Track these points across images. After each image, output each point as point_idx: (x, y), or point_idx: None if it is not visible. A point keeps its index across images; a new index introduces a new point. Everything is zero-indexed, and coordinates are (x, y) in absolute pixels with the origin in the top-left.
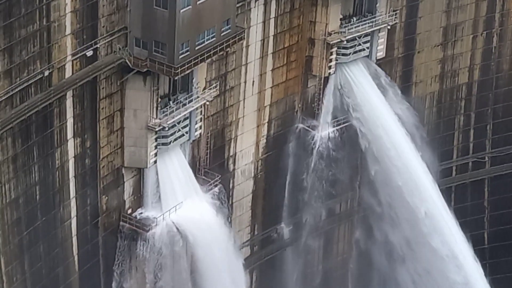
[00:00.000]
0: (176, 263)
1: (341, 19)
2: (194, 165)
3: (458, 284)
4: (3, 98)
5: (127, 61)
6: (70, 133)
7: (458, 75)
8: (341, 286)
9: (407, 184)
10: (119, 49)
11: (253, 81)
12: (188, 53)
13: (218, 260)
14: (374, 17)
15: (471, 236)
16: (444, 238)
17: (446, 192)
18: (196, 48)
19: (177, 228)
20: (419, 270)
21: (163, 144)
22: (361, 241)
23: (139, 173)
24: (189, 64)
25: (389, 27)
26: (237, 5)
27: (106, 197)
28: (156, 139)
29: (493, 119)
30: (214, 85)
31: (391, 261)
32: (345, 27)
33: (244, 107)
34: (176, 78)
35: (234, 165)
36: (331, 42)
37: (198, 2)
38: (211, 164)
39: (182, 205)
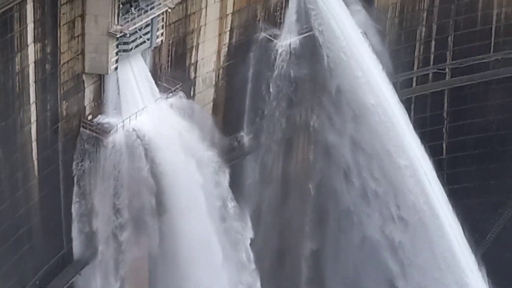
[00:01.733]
0: (136, 169)
1: None
2: (155, 72)
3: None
4: None
5: None
6: (30, 38)
7: None
8: (300, 193)
9: (367, 94)
10: None
11: None
12: None
13: (178, 165)
14: None
15: (429, 147)
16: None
17: (406, 103)
18: None
19: (137, 134)
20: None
21: (124, 50)
22: (319, 151)
23: (100, 79)
24: None
25: None
26: None
27: (67, 103)
28: (117, 46)
29: (455, 30)
30: None
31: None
32: None
33: (206, 15)
34: None
35: (195, 72)
36: None
37: None
38: (172, 71)
39: (142, 112)
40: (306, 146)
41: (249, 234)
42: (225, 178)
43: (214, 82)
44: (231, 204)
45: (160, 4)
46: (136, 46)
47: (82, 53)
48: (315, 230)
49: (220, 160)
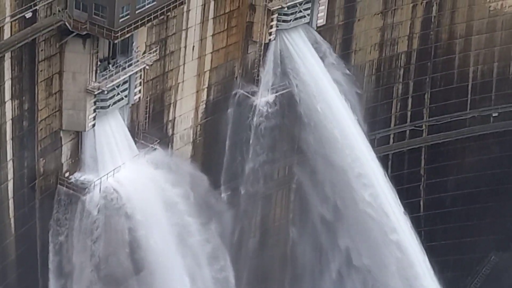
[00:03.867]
0: (114, 226)
1: None
2: (133, 129)
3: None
4: None
5: (66, 23)
6: (8, 95)
7: (398, 44)
8: (278, 251)
9: (344, 151)
10: (59, 11)
11: (193, 46)
12: (128, 16)
13: (156, 224)
14: None
15: (407, 204)
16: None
17: (384, 160)
18: (137, 11)
19: (114, 191)
20: (352, 231)
21: (102, 107)
22: (297, 208)
23: (77, 136)
24: (129, 28)
25: None
26: None
27: (44, 160)
28: (95, 103)
29: (431, 87)
30: (154, 49)
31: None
32: None
33: (184, 72)
34: (116, 41)
35: (173, 129)
36: (271, 8)
37: None
38: (150, 128)
39: (119, 169)
40: (285, 202)
41: None
42: (205, 235)
43: (191, 139)
44: (213, 262)
45: (138, 61)
46: (114, 103)
47: (60, 110)
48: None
49: (200, 216)
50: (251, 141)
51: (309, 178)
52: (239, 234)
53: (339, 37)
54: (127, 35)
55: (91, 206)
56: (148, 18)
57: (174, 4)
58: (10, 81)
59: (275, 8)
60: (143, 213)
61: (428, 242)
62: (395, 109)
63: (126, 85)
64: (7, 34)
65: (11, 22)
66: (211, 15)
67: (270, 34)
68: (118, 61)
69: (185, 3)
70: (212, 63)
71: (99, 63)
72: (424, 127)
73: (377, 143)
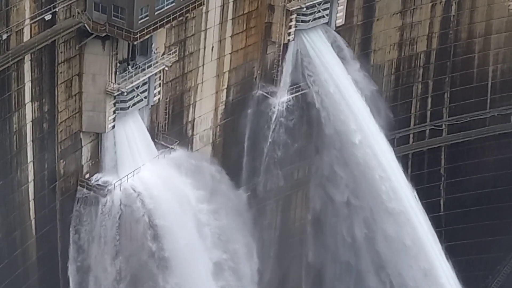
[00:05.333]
0: (134, 227)
1: None
2: (153, 130)
3: (408, 246)
4: None
5: (86, 25)
6: (28, 97)
7: (417, 43)
8: (297, 251)
9: (365, 152)
10: (78, 13)
11: (212, 47)
12: (148, 18)
13: (177, 225)
14: None
15: (427, 204)
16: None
17: (403, 160)
18: (156, 13)
19: (134, 192)
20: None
21: (121, 109)
22: (317, 207)
23: (97, 137)
24: (148, 29)
25: None
26: None
27: (64, 162)
28: (114, 104)
29: (451, 87)
30: (173, 50)
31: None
32: None
33: (203, 73)
34: (135, 43)
35: (192, 130)
36: (290, 9)
37: None
38: (170, 129)
39: (139, 170)
40: (305, 203)
41: None
42: (224, 236)
43: (211, 140)
44: (229, 262)
45: (157, 62)
46: (134, 104)
47: (80, 111)
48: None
49: (220, 216)
50: (270, 141)
51: (328, 178)
52: (259, 232)
53: (358, 37)
54: (146, 37)
55: (111, 207)
56: (167, 19)
57: (193, 5)
58: (30, 83)
59: (294, 8)
60: (163, 213)
61: (448, 241)
62: (414, 109)
63: (146, 87)
64: (26, 36)
65: (30, 24)
66: (230, 15)
67: (289, 34)
68: (137, 63)
69: (204, 4)
70: (231, 63)
71: (118, 64)
72: (443, 126)
73: (396, 143)
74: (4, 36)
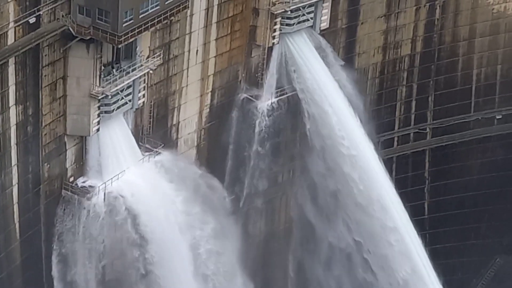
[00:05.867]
0: (118, 230)
1: None
2: (137, 133)
3: (397, 252)
4: None
5: (70, 28)
6: (12, 100)
7: (401, 47)
8: (282, 256)
9: (349, 155)
10: (62, 16)
11: (197, 50)
12: (132, 21)
13: (161, 229)
14: None
15: (411, 207)
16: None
17: (388, 163)
18: (140, 16)
19: (118, 196)
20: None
21: (106, 112)
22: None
23: (82, 141)
24: (133, 33)
25: None
26: None
27: (48, 165)
28: (99, 107)
29: (435, 90)
30: (157, 53)
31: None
32: None
33: (187, 76)
34: (119, 46)
35: (177, 134)
36: (275, 12)
37: None
38: (154, 132)
39: (124, 174)
40: (289, 206)
41: None
42: (209, 239)
43: (196, 143)
44: (217, 265)
45: (141, 65)
46: (118, 107)
47: (64, 114)
48: None
49: (204, 220)
50: (255, 145)
51: (312, 182)
52: (243, 237)
53: (342, 41)
54: (131, 40)
55: (95, 210)
56: (152, 22)
57: (178, 8)
58: (14, 87)
59: (278, 11)
60: (148, 216)
61: (432, 245)
62: (399, 112)
63: (130, 90)
64: (11, 40)
65: (14, 27)
66: (214, 19)
67: (273, 37)
68: (122, 66)
69: (188, 7)
70: (216, 67)
71: (103, 67)
72: (428, 129)
73: (381, 146)
74: None
